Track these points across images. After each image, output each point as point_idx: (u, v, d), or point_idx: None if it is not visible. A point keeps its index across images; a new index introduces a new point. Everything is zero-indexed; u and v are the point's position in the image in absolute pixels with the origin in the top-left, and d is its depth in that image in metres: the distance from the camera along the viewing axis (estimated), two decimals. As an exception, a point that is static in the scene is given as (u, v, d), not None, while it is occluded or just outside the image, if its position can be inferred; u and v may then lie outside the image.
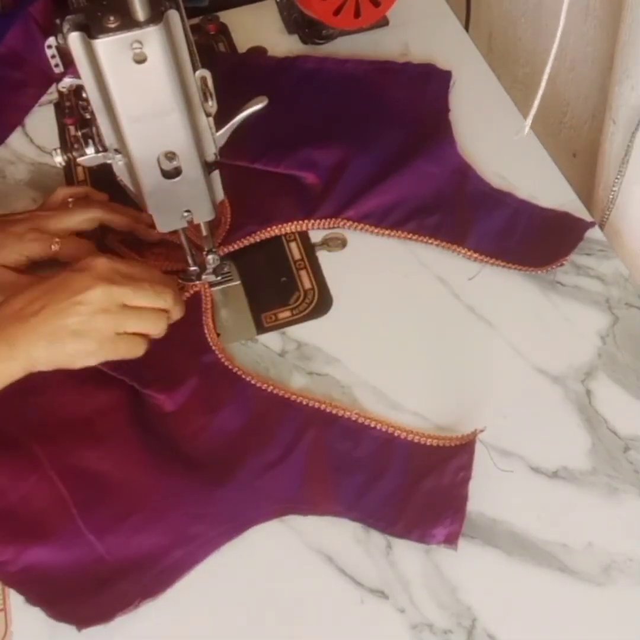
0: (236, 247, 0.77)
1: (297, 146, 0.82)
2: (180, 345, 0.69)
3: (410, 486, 0.62)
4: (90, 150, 0.61)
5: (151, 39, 0.54)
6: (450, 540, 0.59)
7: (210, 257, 0.73)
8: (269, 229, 0.77)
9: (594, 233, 0.78)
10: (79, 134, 0.62)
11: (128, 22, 0.53)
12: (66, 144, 0.63)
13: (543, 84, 0.67)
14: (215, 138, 0.63)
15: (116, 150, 0.61)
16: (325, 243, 0.78)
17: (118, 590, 0.59)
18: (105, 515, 0.62)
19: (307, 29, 0.95)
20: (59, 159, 0.63)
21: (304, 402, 0.67)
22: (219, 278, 0.75)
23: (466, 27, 1.03)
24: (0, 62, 0.90)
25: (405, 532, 0.60)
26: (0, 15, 0.91)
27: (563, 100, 0.99)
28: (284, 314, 0.74)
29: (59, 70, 0.60)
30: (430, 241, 0.76)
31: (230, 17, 1.00)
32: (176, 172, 0.63)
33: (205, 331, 0.71)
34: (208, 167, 0.64)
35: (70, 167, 0.84)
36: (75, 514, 0.61)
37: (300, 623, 0.58)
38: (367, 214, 0.78)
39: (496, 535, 0.61)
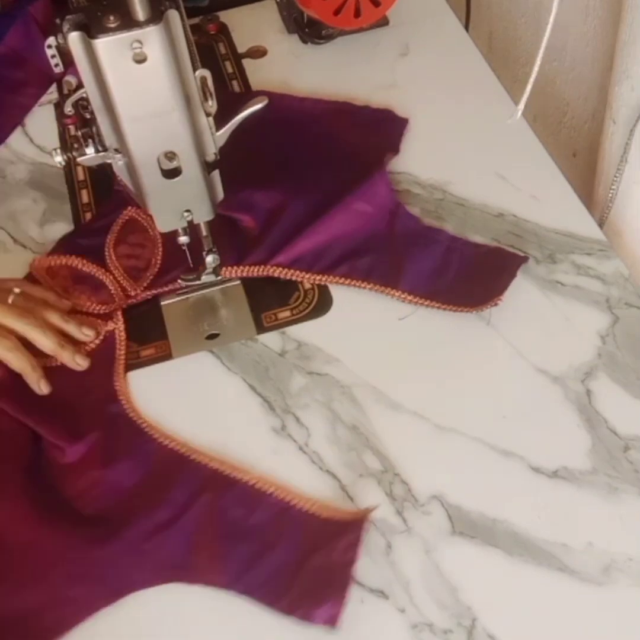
0: (159, 292, 0.75)
1: (238, 186, 0.78)
2: (90, 392, 0.68)
3: (300, 561, 0.59)
4: (90, 150, 0.61)
5: (151, 38, 0.54)
6: (331, 622, 0.57)
7: (210, 257, 0.73)
8: (192, 275, 0.74)
9: (594, 233, 0.78)
10: (79, 133, 0.62)
11: (128, 22, 0.53)
12: (66, 144, 0.63)
13: (536, 68, 0.67)
14: (215, 138, 0.63)
15: (116, 150, 0.61)
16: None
17: None
18: None
19: (307, 28, 0.95)
20: (59, 159, 0.63)
21: (204, 462, 0.64)
22: (219, 278, 0.75)
23: (466, 27, 1.04)
24: (0, 62, 0.90)
25: (289, 610, 0.57)
26: (0, 15, 0.91)
27: (563, 100, 0.99)
28: (284, 314, 0.74)
29: (59, 70, 0.60)
30: (362, 285, 0.74)
31: (230, 17, 1.00)
32: (176, 172, 0.63)
33: (115, 379, 0.69)
34: (208, 167, 0.64)
35: (70, 167, 0.85)
36: None
37: (300, 623, 0.58)
38: (298, 258, 0.75)
39: (496, 535, 0.61)
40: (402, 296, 0.73)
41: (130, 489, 0.64)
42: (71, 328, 0.71)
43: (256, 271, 0.75)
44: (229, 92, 0.92)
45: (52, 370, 0.69)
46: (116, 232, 0.79)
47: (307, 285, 0.75)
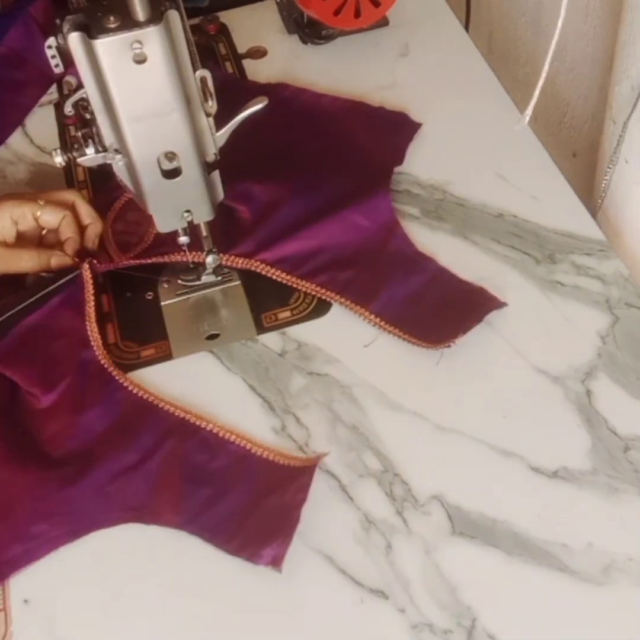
0: (141, 262, 0.75)
1: (242, 176, 0.79)
2: (63, 337, 0.70)
3: (253, 504, 0.62)
4: (90, 150, 0.61)
5: (151, 39, 0.54)
6: (276, 562, 0.59)
7: (210, 257, 0.73)
8: (180, 254, 0.75)
9: (594, 233, 0.78)
10: (79, 134, 0.62)
11: (128, 22, 0.53)
12: (66, 144, 0.63)
13: (543, 75, 0.67)
14: (215, 138, 0.63)
15: (116, 150, 0.61)
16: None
17: None
18: None
19: (307, 29, 0.95)
20: (59, 159, 0.63)
21: (171, 410, 0.67)
22: (219, 278, 0.75)
23: (466, 27, 1.04)
24: (0, 62, 0.90)
25: (237, 550, 0.60)
26: (0, 15, 0.91)
27: (563, 100, 0.99)
28: (284, 314, 0.74)
29: (59, 70, 0.60)
30: (336, 298, 0.73)
31: (230, 17, 1.01)
32: (176, 173, 0.63)
33: (87, 323, 0.71)
34: (208, 167, 0.64)
35: (70, 167, 0.85)
36: None
37: (300, 623, 0.58)
38: (283, 258, 0.75)
39: (496, 535, 0.61)
40: (370, 317, 0.72)
41: (99, 434, 0.66)
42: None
43: (240, 263, 0.75)
44: (251, 82, 0.94)
45: None
46: (117, 209, 0.80)
47: (307, 286, 0.75)
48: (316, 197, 0.79)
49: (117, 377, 0.69)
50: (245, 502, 0.62)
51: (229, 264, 0.75)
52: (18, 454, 0.65)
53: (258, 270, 0.75)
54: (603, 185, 0.77)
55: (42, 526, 0.61)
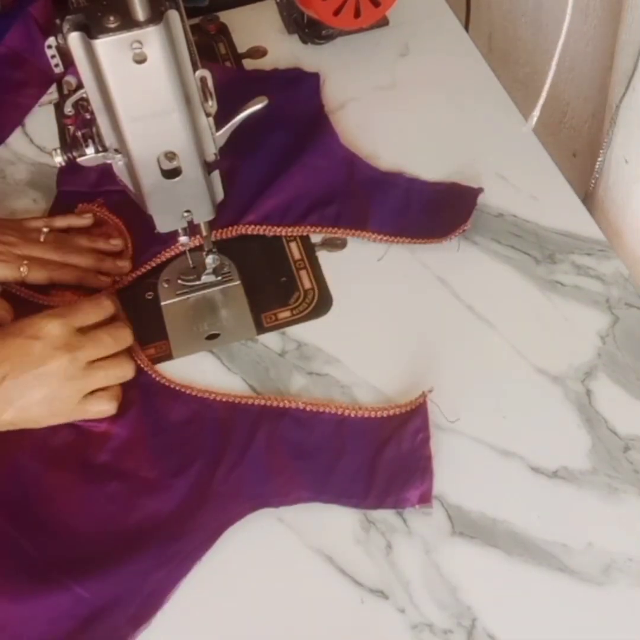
0: (142, 272, 0.76)
1: None
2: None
3: (373, 459, 0.63)
4: (90, 150, 0.61)
5: (151, 39, 0.54)
6: (424, 500, 0.60)
7: (209, 257, 0.73)
8: (174, 247, 0.75)
9: (594, 233, 0.78)
10: (79, 134, 0.62)
11: (128, 22, 0.53)
12: (66, 144, 0.63)
13: (548, 80, 0.68)
14: (215, 138, 0.63)
15: (116, 150, 0.61)
16: (325, 243, 0.78)
17: (106, 627, 0.56)
18: (75, 562, 0.59)
19: (307, 29, 0.96)
20: (59, 159, 0.63)
21: (250, 402, 0.67)
22: (218, 278, 0.75)
23: (466, 27, 1.04)
24: (0, 62, 0.90)
25: (378, 502, 0.61)
26: (1, 15, 0.91)
27: (563, 100, 0.99)
28: (284, 314, 0.74)
29: (59, 70, 0.60)
30: (333, 231, 0.77)
31: (230, 17, 1.01)
32: (176, 172, 0.63)
33: (145, 368, 0.70)
34: (208, 167, 0.64)
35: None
36: (45, 567, 0.58)
37: (300, 623, 0.58)
38: (267, 214, 0.78)
39: (496, 535, 0.61)
40: (373, 236, 0.76)
41: (189, 446, 0.65)
42: (100, 243, 0.77)
43: (229, 232, 0.77)
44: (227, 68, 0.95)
45: None
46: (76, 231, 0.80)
47: (307, 285, 0.75)
48: (266, 156, 0.82)
49: (183, 390, 0.68)
50: (363, 460, 0.63)
51: (219, 237, 0.76)
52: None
53: (248, 233, 0.77)
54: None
55: (177, 545, 0.60)
